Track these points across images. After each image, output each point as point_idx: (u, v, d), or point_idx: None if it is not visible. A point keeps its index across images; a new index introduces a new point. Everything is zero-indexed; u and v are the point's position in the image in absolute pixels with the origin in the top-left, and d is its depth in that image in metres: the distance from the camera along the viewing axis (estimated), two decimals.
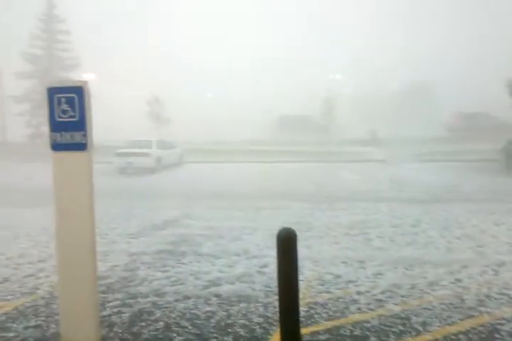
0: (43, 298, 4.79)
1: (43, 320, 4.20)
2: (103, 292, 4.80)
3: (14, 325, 4.08)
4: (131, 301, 4.66)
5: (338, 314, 4.23)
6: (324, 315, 4.21)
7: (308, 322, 4.06)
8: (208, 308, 4.44)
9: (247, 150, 26.22)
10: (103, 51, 48.25)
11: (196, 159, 24.33)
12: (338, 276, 5.33)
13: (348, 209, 9.98)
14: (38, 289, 5.07)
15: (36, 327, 4.06)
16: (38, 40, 32.30)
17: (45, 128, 29.82)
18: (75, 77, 29.86)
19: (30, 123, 31.27)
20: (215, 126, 36.26)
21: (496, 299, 4.53)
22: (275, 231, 3.00)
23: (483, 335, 3.76)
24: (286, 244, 3.15)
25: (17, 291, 5.00)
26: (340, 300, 4.58)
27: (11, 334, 3.90)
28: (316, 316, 4.20)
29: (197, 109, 45.16)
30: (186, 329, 3.97)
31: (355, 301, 4.54)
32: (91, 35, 45.12)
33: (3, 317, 4.27)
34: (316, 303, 4.49)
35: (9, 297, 4.84)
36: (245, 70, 53.44)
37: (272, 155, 24.26)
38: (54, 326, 4.02)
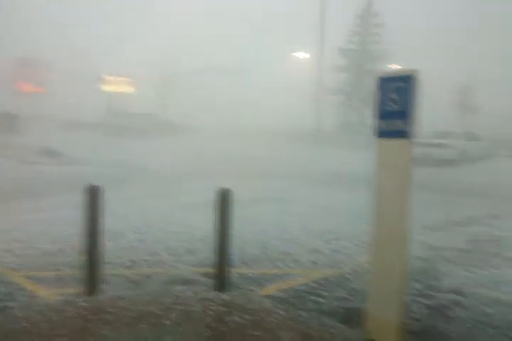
0: (348, 273, 5.21)
1: (347, 294, 4.59)
2: None
3: (325, 294, 4.59)
4: (429, 293, 4.59)
5: None
6: None
7: None
8: None
9: None
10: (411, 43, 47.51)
11: (507, 152, 21.68)
12: None
13: None
14: (342, 264, 5.56)
15: (342, 299, 4.48)
16: (355, 36, 34.47)
17: (353, 118, 31.56)
18: (382, 68, 30.47)
19: (340, 113, 33.91)
20: None
21: None
22: None
23: None
24: None
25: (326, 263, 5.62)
26: None
27: (322, 300, 4.43)
28: None
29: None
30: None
31: None
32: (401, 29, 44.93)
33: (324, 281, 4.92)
34: None
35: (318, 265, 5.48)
36: None
37: None
38: (354, 300, 4.38)
